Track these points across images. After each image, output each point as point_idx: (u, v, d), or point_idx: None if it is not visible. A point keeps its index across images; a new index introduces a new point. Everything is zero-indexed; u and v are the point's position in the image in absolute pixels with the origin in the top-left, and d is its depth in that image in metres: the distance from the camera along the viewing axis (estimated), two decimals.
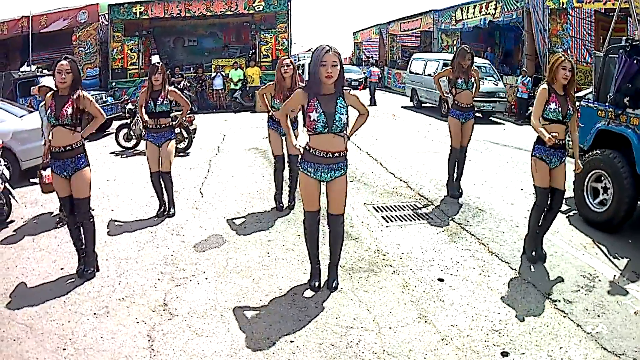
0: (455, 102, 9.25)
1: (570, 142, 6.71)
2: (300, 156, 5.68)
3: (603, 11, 19.44)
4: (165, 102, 8.34)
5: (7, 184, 8.51)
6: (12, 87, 19.14)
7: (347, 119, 5.42)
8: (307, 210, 5.81)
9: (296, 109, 5.78)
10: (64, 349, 5.00)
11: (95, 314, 5.62)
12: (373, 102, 27.41)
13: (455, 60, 9.22)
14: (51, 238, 7.92)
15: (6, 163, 8.78)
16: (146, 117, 8.31)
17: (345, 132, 5.51)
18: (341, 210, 5.73)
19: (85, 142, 6.45)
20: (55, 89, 6.29)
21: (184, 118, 9.48)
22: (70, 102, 6.13)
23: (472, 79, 9.16)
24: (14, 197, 8.75)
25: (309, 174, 5.55)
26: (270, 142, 8.79)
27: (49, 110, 6.17)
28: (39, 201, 9.98)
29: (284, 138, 8.54)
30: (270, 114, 8.64)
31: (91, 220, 6.49)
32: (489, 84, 20.76)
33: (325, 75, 5.23)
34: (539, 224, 6.75)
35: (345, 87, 5.48)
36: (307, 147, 5.51)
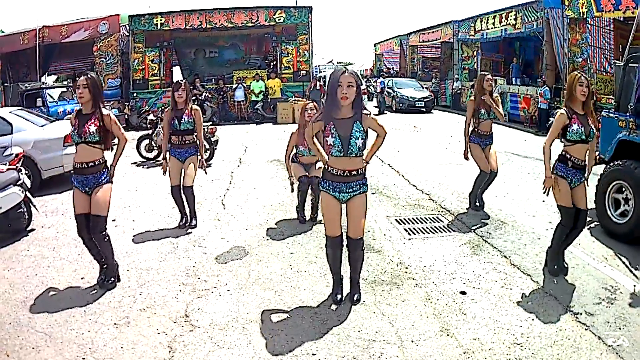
0: (476, 129, 9.21)
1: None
2: (321, 177, 5.74)
3: (622, 20, 19.30)
4: (189, 120, 8.37)
5: (27, 193, 8.59)
6: (19, 98, 20.00)
7: (363, 142, 5.45)
8: (328, 235, 5.79)
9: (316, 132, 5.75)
10: (83, 358, 5.02)
11: (115, 324, 5.64)
12: (382, 111, 29.11)
13: (476, 86, 9.19)
14: (72, 247, 7.95)
15: (27, 172, 8.86)
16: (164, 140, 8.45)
17: (362, 154, 5.55)
18: (360, 234, 5.70)
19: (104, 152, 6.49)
20: None
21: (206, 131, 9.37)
22: (93, 120, 6.18)
23: (492, 109, 9.09)
24: (34, 206, 8.83)
25: (328, 191, 5.61)
26: (292, 171, 8.78)
27: (72, 129, 6.22)
28: (60, 210, 10.08)
29: (303, 168, 8.72)
30: (295, 153, 8.77)
31: (106, 239, 6.43)
32: None
33: (341, 96, 5.29)
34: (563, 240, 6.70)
35: (365, 112, 5.52)
36: (326, 166, 5.58)
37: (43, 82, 23.85)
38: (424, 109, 30.07)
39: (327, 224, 5.77)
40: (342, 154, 5.37)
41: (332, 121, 5.40)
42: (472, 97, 9.29)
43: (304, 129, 8.18)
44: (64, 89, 21.86)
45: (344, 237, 5.86)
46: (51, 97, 20.18)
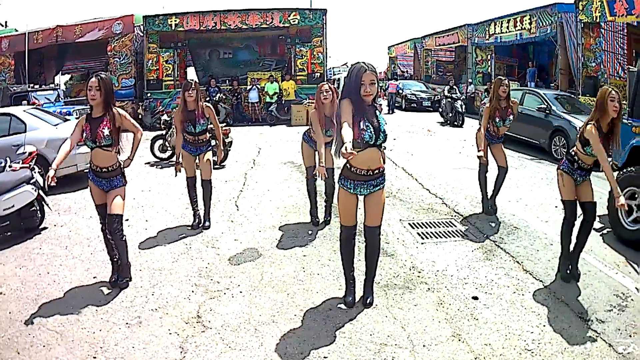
0: (489, 130, 9.13)
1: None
2: (339, 173, 5.71)
3: (636, 24, 19.16)
4: (203, 122, 8.37)
5: (40, 191, 8.63)
6: (9, 100, 20.97)
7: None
8: (343, 224, 5.82)
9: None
10: (94, 357, 5.05)
11: (127, 323, 5.67)
12: (391, 110, 30.11)
13: (492, 91, 9.12)
14: (84, 246, 8.00)
15: (40, 170, 8.90)
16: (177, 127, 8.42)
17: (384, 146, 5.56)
18: (378, 222, 5.73)
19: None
20: None
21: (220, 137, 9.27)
22: (105, 123, 6.17)
23: (511, 116, 9.07)
24: (47, 204, 8.88)
25: (349, 190, 5.59)
26: (303, 154, 8.81)
27: (84, 135, 6.22)
28: (73, 208, 10.14)
29: (317, 153, 8.48)
30: (308, 129, 8.63)
31: (122, 238, 6.47)
32: None
33: (364, 94, 5.29)
34: (575, 240, 6.66)
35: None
36: (348, 165, 5.53)
37: (35, 85, 24.39)
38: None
39: (342, 214, 5.80)
40: (372, 141, 5.31)
41: (362, 113, 5.34)
42: (488, 104, 9.19)
43: (322, 110, 8.13)
44: (53, 92, 22.96)
45: (360, 231, 5.89)
46: (36, 99, 21.14)
